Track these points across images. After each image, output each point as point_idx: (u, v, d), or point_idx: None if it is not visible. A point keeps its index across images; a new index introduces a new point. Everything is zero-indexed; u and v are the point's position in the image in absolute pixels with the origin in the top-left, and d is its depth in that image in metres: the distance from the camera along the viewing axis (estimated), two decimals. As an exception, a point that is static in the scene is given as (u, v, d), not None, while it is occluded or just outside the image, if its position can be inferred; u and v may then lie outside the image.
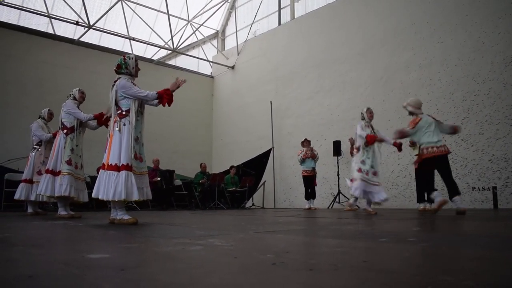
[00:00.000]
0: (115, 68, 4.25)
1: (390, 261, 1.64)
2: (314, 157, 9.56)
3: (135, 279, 1.23)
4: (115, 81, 4.18)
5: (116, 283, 1.17)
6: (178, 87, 4.16)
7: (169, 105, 4.21)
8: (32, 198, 6.22)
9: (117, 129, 3.94)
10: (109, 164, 3.87)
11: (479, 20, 9.15)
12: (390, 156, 10.12)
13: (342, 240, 2.44)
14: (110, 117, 4.23)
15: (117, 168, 3.84)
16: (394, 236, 2.67)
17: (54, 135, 6.08)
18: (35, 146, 6.48)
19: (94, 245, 2.31)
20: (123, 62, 4.24)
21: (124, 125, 3.97)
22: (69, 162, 5.29)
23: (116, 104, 4.08)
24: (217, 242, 2.25)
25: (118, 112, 4.05)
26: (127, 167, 3.84)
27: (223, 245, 2.12)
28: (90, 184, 7.71)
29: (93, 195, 3.94)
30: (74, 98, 5.61)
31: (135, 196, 3.81)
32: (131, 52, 14.13)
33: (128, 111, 4.04)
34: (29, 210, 6.45)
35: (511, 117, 8.40)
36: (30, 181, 6.36)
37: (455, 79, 9.37)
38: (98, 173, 4.05)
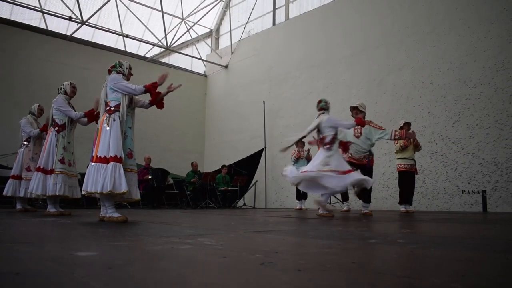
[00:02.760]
0: (109, 68, 4.25)
1: (379, 262, 1.65)
2: (309, 159, 9.44)
3: (123, 277, 1.23)
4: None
5: (104, 281, 1.16)
6: (160, 80, 4.17)
7: (160, 108, 4.26)
8: (21, 194, 6.16)
9: (105, 124, 3.93)
10: (98, 156, 3.84)
11: (471, 24, 9.23)
12: (381, 158, 10.17)
13: (331, 241, 2.45)
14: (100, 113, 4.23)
15: (105, 160, 3.81)
16: (384, 237, 2.68)
17: (42, 130, 6.01)
18: (24, 142, 6.43)
19: (83, 242, 2.29)
20: (117, 63, 4.30)
21: (114, 120, 3.95)
22: (62, 161, 5.25)
23: (105, 101, 4.09)
24: (207, 241, 2.25)
25: (106, 108, 4.04)
26: (116, 159, 3.82)
27: (213, 244, 2.11)
28: (81, 181, 7.64)
29: (82, 189, 3.91)
30: (65, 93, 5.52)
31: (123, 187, 3.75)
32: (124, 49, 14.09)
33: (117, 106, 4.03)
34: (18, 206, 6.39)
35: (501, 121, 8.49)
36: (18, 177, 6.30)
37: (447, 82, 9.45)
38: None
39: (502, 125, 8.46)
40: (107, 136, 3.89)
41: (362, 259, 1.73)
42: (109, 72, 4.25)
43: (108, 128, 3.91)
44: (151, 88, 4.08)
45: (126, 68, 4.30)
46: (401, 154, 7.37)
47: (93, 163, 3.86)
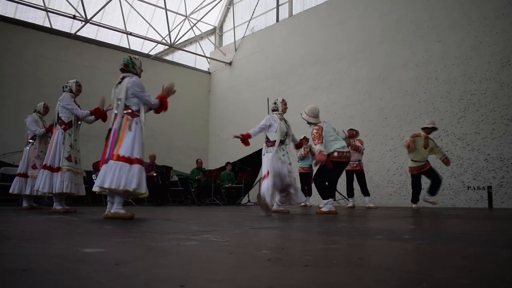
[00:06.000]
0: (122, 67, 4.20)
1: (385, 258, 1.64)
2: (314, 154, 9.24)
3: (129, 273, 1.23)
4: (122, 78, 4.17)
5: (111, 277, 1.16)
6: (169, 92, 4.34)
7: (165, 111, 4.38)
8: (27, 192, 6.19)
9: (127, 128, 3.95)
10: (121, 155, 3.84)
11: (477, 19, 9.16)
12: (386, 154, 10.15)
13: (337, 237, 2.44)
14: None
15: (129, 160, 3.84)
16: (390, 233, 2.67)
17: (49, 129, 6.04)
18: (29, 140, 6.45)
19: (89, 239, 2.30)
20: (130, 62, 4.24)
21: (137, 123, 4.01)
22: (69, 158, 5.28)
23: (124, 103, 4.10)
24: (213, 237, 2.25)
25: (128, 111, 4.05)
26: (140, 161, 3.90)
27: (219, 240, 2.11)
28: (86, 178, 7.67)
29: (98, 184, 3.87)
30: (71, 91, 5.54)
31: (144, 189, 3.87)
32: (128, 47, 14.10)
33: (137, 111, 4.09)
34: (24, 204, 6.43)
35: (507, 117, 8.43)
36: (24, 175, 6.32)
37: (452, 78, 9.39)
38: (93, 168, 4.04)
39: (508, 120, 8.40)
40: (130, 138, 3.92)
41: (369, 255, 1.73)
42: (123, 71, 4.21)
43: (131, 130, 3.95)
44: (163, 101, 4.28)
45: (139, 68, 4.31)
46: (413, 155, 7.27)
47: (113, 161, 3.83)
